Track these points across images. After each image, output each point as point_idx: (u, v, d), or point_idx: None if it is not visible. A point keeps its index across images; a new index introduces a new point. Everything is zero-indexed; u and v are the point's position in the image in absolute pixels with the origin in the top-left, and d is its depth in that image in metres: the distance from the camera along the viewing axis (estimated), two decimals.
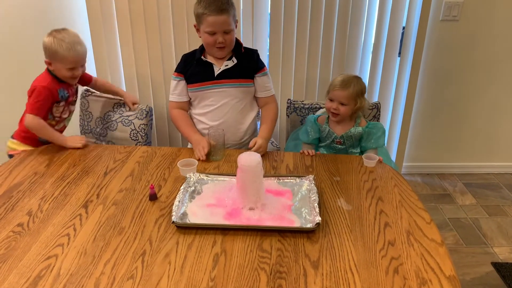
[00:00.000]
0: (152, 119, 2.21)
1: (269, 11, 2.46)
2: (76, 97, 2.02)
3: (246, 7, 2.44)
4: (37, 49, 2.56)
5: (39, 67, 2.61)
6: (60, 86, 1.85)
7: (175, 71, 1.95)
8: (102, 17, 2.42)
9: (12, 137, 1.95)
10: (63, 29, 1.79)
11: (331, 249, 1.19)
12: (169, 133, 2.75)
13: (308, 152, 1.76)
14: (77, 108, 2.28)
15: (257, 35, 2.52)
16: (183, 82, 1.93)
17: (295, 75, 2.61)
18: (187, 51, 2.15)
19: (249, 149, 1.77)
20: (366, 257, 1.16)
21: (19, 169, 1.63)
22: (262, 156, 1.65)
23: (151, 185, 1.44)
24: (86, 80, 2.07)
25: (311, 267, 1.12)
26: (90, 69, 2.64)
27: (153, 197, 1.43)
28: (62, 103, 1.89)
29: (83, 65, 1.86)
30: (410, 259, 1.15)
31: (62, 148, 1.81)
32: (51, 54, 1.78)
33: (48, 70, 1.85)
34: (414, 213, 1.35)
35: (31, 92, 1.81)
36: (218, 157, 1.72)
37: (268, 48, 2.54)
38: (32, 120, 1.78)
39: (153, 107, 2.60)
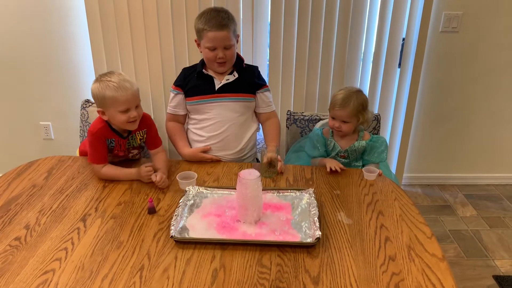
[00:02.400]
0: None
1: (269, 21, 2.47)
2: (126, 153, 1.78)
3: (246, 19, 2.45)
4: (36, 56, 2.59)
5: (38, 73, 2.63)
6: (111, 136, 1.68)
7: (173, 84, 1.95)
8: (103, 31, 2.42)
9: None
10: (109, 72, 1.64)
11: (331, 264, 1.18)
12: (169, 146, 2.74)
13: (335, 168, 1.70)
14: (77, 118, 2.27)
15: (257, 46, 2.53)
16: (180, 96, 1.93)
17: (295, 86, 2.61)
18: (187, 65, 2.14)
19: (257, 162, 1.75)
20: (367, 272, 1.15)
21: (18, 181, 1.62)
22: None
23: (150, 198, 1.43)
24: (154, 142, 1.79)
25: (311, 282, 1.11)
26: (89, 84, 2.64)
27: (152, 211, 1.42)
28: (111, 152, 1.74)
29: (137, 106, 1.65)
30: (411, 274, 1.14)
31: (60, 160, 1.80)
32: (100, 100, 1.60)
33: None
34: (414, 227, 1.34)
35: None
36: (271, 174, 1.70)
37: (268, 59, 2.55)
38: (97, 172, 1.65)
39: None
